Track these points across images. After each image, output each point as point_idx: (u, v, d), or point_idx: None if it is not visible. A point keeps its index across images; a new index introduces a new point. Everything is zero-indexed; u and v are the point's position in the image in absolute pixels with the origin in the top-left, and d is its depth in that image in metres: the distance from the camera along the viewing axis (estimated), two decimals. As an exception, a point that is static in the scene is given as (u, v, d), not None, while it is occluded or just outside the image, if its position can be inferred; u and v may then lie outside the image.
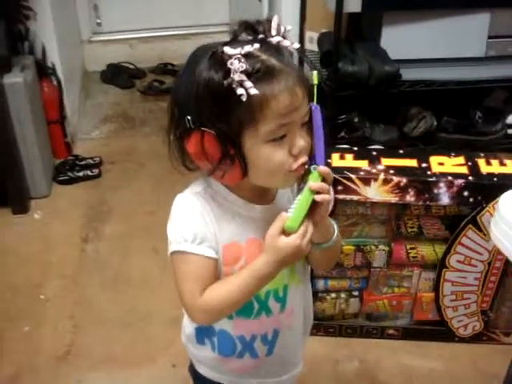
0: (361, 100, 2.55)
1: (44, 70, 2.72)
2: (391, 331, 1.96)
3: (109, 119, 3.30)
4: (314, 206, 0.96)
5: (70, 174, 2.75)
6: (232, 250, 1.01)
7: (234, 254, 1.02)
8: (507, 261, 1.75)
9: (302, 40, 2.77)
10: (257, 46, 0.88)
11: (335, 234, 1.07)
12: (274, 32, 0.92)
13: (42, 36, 2.74)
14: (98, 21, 3.83)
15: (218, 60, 0.88)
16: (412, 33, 2.46)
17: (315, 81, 0.95)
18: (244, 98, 0.86)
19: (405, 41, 2.46)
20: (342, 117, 2.52)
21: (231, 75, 0.86)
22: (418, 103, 2.60)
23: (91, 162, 2.85)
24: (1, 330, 1.99)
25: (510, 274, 1.81)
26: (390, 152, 1.76)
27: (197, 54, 0.95)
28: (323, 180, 0.96)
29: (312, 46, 2.70)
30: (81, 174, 2.76)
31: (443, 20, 2.45)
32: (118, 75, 3.65)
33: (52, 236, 2.43)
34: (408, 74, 2.43)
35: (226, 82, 0.87)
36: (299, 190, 0.97)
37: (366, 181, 1.63)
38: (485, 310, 1.88)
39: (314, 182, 0.94)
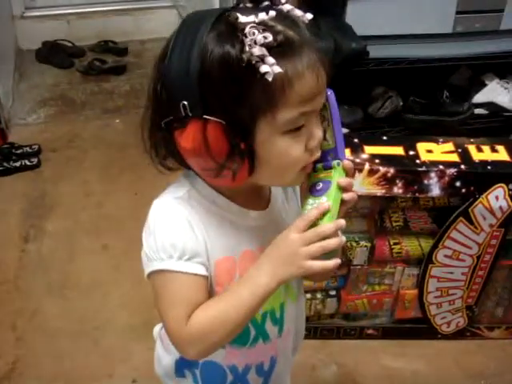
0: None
1: (-28, 49, 2.43)
2: (370, 331, 1.82)
3: (47, 102, 3.01)
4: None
5: (5, 164, 2.47)
6: (225, 266, 0.84)
7: (227, 270, 0.84)
8: (497, 254, 1.63)
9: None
10: (273, 13, 0.70)
11: None
12: None
13: (-32, 10, 2.44)
14: (32, -6, 3.51)
15: (230, 29, 0.70)
16: (378, 7, 2.30)
17: None
18: (270, 78, 0.69)
19: (371, 16, 2.30)
20: (305, 98, 2.35)
21: (248, 49, 0.68)
22: (382, 82, 2.46)
23: (29, 150, 2.58)
24: None
25: (498, 267, 1.69)
26: (373, 139, 1.60)
27: (191, 23, 0.75)
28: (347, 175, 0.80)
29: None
30: (18, 164, 2.49)
31: (410, -7, 2.30)
32: (55, 54, 3.35)
33: (-13, 235, 2.17)
34: (375, 51, 2.28)
35: (244, 57, 0.68)
36: (317, 190, 0.80)
37: (350, 172, 1.46)
38: (470, 305, 1.76)
39: (341, 177, 0.79)
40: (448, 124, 2.49)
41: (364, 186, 1.48)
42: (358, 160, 1.48)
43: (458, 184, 1.48)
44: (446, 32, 2.41)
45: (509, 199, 1.49)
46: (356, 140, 1.54)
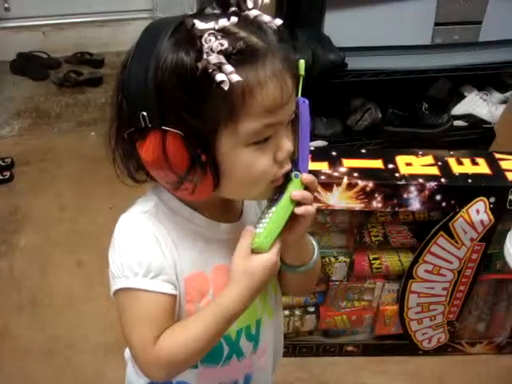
0: (302, 91, 2.36)
1: None
2: (350, 348, 1.78)
3: (21, 114, 2.93)
4: (293, 219, 0.77)
5: (-24, 178, 2.41)
6: (197, 282, 0.80)
7: (199, 287, 0.80)
8: (478, 268, 1.60)
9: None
10: (234, 19, 0.66)
11: (315, 254, 0.88)
12: (250, 4, 0.71)
13: None
14: (6, 5, 3.41)
15: (187, 36, 0.66)
16: (356, 19, 2.29)
17: (301, 71, 0.75)
18: (226, 87, 0.65)
19: (348, 27, 2.29)
20: (282, 110, 2.32)
21: (205, 56, 0.64)
22: (361, 94, 2.45)
23: (1, 163, 2.51)
24: None
25: (479, 282, 1.66)
26: (352, 152, 1.57)
27: (152, 30, 0.71)
28: (305, 189, 0.77)
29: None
30: (-11, 178, 2.43)
31: (389, 5, 2.30)
32: (29, 65, 3.28)
33: (-44, 252, 2.10)
34: (353, 63, 2.26)
35: (200, 65, 0.64)
36: (273, 200, 0.77)
37: (328, 186, 1.42)
38: (451, 320, 1.72)
39: (295, 190, 0.76)
40: (427, 136, 2.48)
41: (343, 200, 1.44)
42: (336, 173, 1.44)
43: (438, 198, 1.45)
44: (424, 44, 2.41)
45: (489, 213, 1.47)
46: (334, 153, 1.51)
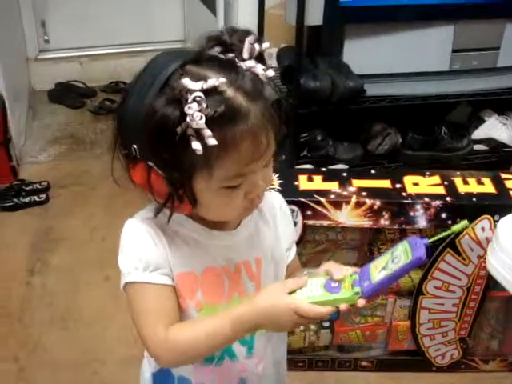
0: (323, 117, 2.44)
1: (-15, 89, 2.53)
2: (365, 363, 1.84)
3: (57, 141, 3.10)
4: None
5: (15, 199, 2.55)
6: (187, 280, 0.89)
7: (189, 284, 0.89)
8: (487, 285, 1.65)
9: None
10: (222, 80, 0.74)
11: None
12: (246, 55, 0.78)
13: (-17, 52, 2.56)
14: (46, 37, 3.63)
15: (175, 94, 0.74)
16: (375, 47, 2.37)
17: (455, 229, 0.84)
18: (199, 153, 0.73)
19: (367, 55, 2.37)
20: (304, 135, 2.41)
21: (187, 119, 0.72)
22: (382, 119, 2.52)
23: (38, 186, 2.66)
24: None
25: (489, 298, 1.71)
26: (361, 172, 1.64)
27: (152, 69, 0.80)
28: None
29: (271, 61, 2.59)
30: (27, 199, 2.56)
31: (407, 33, 2.37)
32: (67, 94, 3.46)
33: (-6, 268, 2.23)
34: (372, 89, 2.34)
35: (180, 130, 0.73)
36: (329, 284, 0.85)
37: (337, 204, 1.50)
38: (463, 337, 1.77)
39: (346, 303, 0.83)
40: (447, 160, 2.53)
41: (352, 217, 1.52)
42: (345, 193, 1.52)
43: (443, 215, 1.51)
44: (442, 70, 2.47)
45: (495, 230, 1.52)
46: (344, 174, 1.59)
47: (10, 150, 2.70)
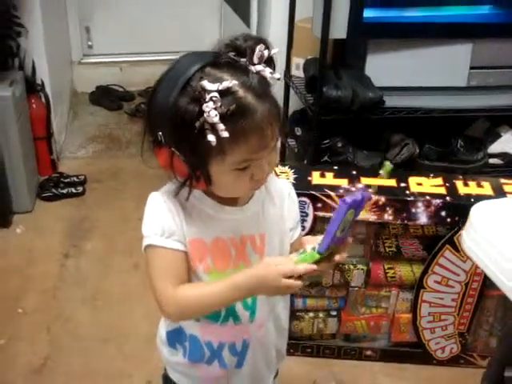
0: (345, 125, 2.58)
1: (33, 87, 2.74)
2: (369, 352, 1.96)
3: (95, 139, 3.31)
4: None
5: (54, 190, 2.75)
6: (198, 245, 1.03)
7: (199, 250, 1.03)
8: (484, 282, 1.77)
9: (288, 66, 2.82)
10: (235, 82, 0.89)
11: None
12: (256, 60, 0.93)
13: (32, 53, 2.77)
14: (90, 43, 3.87)
15: (196, 93, 0.89)
16: (396, 61, 2.51)
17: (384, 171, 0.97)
18: (213, 144, 0.89)
19: (389, 68, 2.51)
20: (326, 141, 2.55)
21: (205, 115, 0.88)
22: (401, 130, 2.64)
23: (76, 179, 2.85)
24: (-24, 342, 1.98)
25: (487, 296, 1.82)
26: (370, 172, 1.78)
27: (180, 66, 0.94)
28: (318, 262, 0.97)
29: (298, 72, 2.75)
30: (65, 191, 2.76)
31: (427, 49, 2.50)
32: (106, 97, 3.68)
33: (33, 251, 2.42)
34: (391, 101, 2.47)
35: (198, 124, 0.89)
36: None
37: (345, 199, 1.64)
38: (462, 332, 1.88)
39: (307, 261, 0.97)
40: (462, 171, 2.64)
41: (358, 211, 1.66)
42: (353, 188, 1.67)
43: (443, 214, 1.65)
44: (460, 85, 2.59)
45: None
46: (354, 172, 1.74)
47: (52, 145, 2.89)
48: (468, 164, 2.65)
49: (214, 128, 0.88)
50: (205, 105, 0.87)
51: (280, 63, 2.84)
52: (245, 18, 3.22)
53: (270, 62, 0.96)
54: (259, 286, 0.97)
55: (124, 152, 3.20)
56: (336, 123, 2.53)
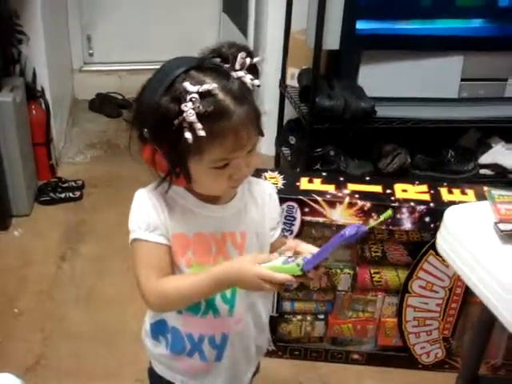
0: (337, 135, 2.64)
1: (33, 93, 2.79)
2: (356, 356, 2.00)
3: (94, 145, 3.37)
4: None
5: (52, 195, 2.80)
6: (180, 240, 1.08)
7: (181, 244, 1.08)
8: (467, 288, 1.81)
9: (284, 76, 2.88)
10: (214, 85, 0.95)
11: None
12: (237, 66, 0.99)
13: (33, 60, 2.82)
14: (90, 51, 3.93)
15: (177, 93, 0.94)
16: (388, 72, 2.57)
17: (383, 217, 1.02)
18: (190, 141, 0.94)
19: (381, 79, 2.57)
20: (318, 150, 2.60)
21: (184, 115, 0.93)
22: (393, 140, 2.69)
23: (73, 184, 2.90)
24: (-28, 340, 2.02)
25: (470, 302, 1.87)
26: (357, 178, 1.83)
27: (164, 70, 1.00)
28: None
29: (293, 81, 2.81)
30: (62, 195, 2.81)
31: (418, 61, 2.57)
32: (106, 104, 3.73)
33: (30, 253, 2.47)
34: (384, 111, 2.52)
35: (177, 122, 0.94)
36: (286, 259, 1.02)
37: (332, 204, 1.70)
38: (447, 337, 1.92)
39: (287, 272, 0.99)
40: (452, 181, 2.69)
41: (344, 216, 1.71)
42: (340, 194, 1.72)
43: (427, 219, 1.70)
44: (451, 97, 2.65)
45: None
46: (342, 178, 1.79)
47: (51, 151, 2.94)
48: (459, 174, 2.70)
49: (191, 127, 0.93)
50: (183, 104, 0.93)
51: (276, 73, 2.93)
52: (242, 28, 3.29)
53: (253, 69, 1.02)
54: (236, 280, 1.01)
55: (121, 158, 3.23)
56: (329, 132, 2.58)
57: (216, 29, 3.94)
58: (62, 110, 3.34)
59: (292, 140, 2.85)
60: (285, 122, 2.99)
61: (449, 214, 1.13)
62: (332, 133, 2.60)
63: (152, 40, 3.85)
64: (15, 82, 2.62)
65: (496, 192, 1.19)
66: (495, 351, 1.97)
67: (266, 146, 3.25)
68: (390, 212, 1.02)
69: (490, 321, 1.30)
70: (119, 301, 2.21)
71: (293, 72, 2.81)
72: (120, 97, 3.82)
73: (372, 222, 0.95)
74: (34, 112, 2.80)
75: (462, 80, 2.62)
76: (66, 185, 2.89)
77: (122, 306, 2.19)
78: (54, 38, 3.19)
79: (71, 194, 2.84)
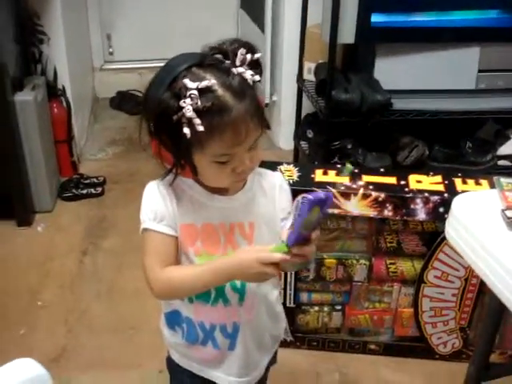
0: (355, 128, 2.65)
1: (54, 91, 2.85)
2: (373, 346, 2.02)
3: (115, 142, 3.42)
4: None
5: (74, 191, 2.86)
6: (189, 230, 1.11)
7: (190, 234, 1.11)
8: (483, 278, 1.81)
9: (301, 70, 2.90)
10: (214, 81, 0.97)
11: None
12: (238, 62, 1.01)
13: (54, 60, 2.88)
14: (110, 50, 3.99)
15: (177, 90, 0.97)
16: (405, 64, 2.57)
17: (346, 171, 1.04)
18: (188, 136, 0.97)
19: (397, 72, 2.57)
20: (336, 143, 2.62)
21: (183, 110, 0.96)
22: (410, 132, 2.70)
23: (95, 180, 2.96)
24: (-2, 332, 2.09)
25: (487, 292, 1.87)
26: (372, 170, 1.84)
27: (170, 65, 1.03)
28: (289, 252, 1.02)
29: (310, 76, 2.83)
30: (84, 191, 2.87)
31: (435, 53, 2.56)
32: (126, 102, 3.78)
33: (53, 248, 2.52)
34: (400, 103, 2.53)
35: (176, 117, 0.97)
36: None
37: (347, 195, 1.71)
38: (463, 327, 1.93)
39: (278, 251, 1.01)
40: (470, 173, 2.68)
41: (359, 207, 1.72)
42: (354, 186, 1.73)
43: (441, 210, 1.70)
44: (469, 88, 2.64)
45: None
46: (356, 170, 1.80)
47: (72, 148, 3.00)
48: (477, 166, 2.70)
49: (190, 122, 0.96)
50: (182, 100, 0.95)
51: (293, 67, 2.96)
52: (260, 24, 3.31)
53: (255, 64, 1.04)
54: (237, 270, 1.04)
55: (142, 154, 3.23)
56: (346, 125, 2.60)
57: (234, 25, 3.97)
58: (83, 108, 3.40)
59: (310, 134, 2.87)
60: (302, 116, 3.01)
61: (457, 202, 1.14)
62: (349, 126, 2.62)
63: (171, 37, 3.88)
64: (36, 81, 2.68)
65: (505, 180, 1.20)
66: (510, 341, 1.98)
67: (284, 140, 3.29)
68: (349, 166, 1.04)
69: (499, 308, 1.31)
70: (140, 294, 2.24)
71: (309, 66, 2.82)
72: (140, 94, 3.86)
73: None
74: (55, 110, 2.86)
75: (480, 71, 2.60)
76: (87, 181, 2.95)
77: (143, 299, 2.21)
78: (74, 37, 3.24)
79: (93, 190, 2.89)
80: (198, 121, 0.96)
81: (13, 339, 2.05)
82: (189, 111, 0.95)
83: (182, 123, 0.97)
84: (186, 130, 0.96)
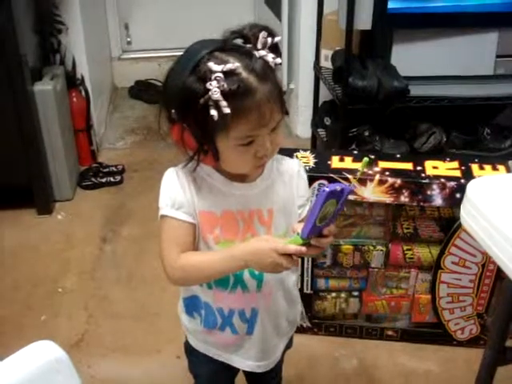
0: (372, 115, 2.64)
1: (73, 81, 2.88)
2: (390, 332, 2.03)
3: (134, 131, 3.45)
4: None
5: (93, 179, 2.89)
6: (208, 217, 1.12)
7: (209, 221, 1.12)
8: (500, 264, 1.81)
9: (318, 58, 2.90)
10: (237, 64, 0.98)
11: None
12: (259, 46, 1.02)
13: (72, 49, 2.91)
14: (128, 39, 4.01)
15: (202, 73, 0.98)
16: (422, 50, 2.56)
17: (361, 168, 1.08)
18: (215, 119, 0.97)
19: (414, 58, 2.56)
20: (353, 130, 2.62)
21: (209, 93, 0.97)
22: (428, 119, 2.69)
23: (114, 169, 2.99)
24: (21, 318, 2.12)
25: (504, 278, 1.86)
26: (388, 156, 1.84)
27: (189, 53, 1.04)
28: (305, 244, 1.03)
29: (327, 63, 2.82)
30: (104, 180, 2.90)
31: (452, 39, 2.54)
32: (145, 91, 3.81)
33: (73, 235, 2.56)
34: (418, 90, 2.52)
35: (202, 100, 0.98)
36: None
37: (363, 181, 1.72)
38: (481, 313, 1.93)
39: (293, 244, 1.03)
40: (489, 159, 2.67)
41: (374, 193, 1.73)
42: (370, 172, 1.74)
43: (457, 195, 1.70)
44: (487, 74, 2.62)
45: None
46: (372, 156, 1.80)
47: (91, 137, 3.03)
48: (495, 152, 2.68)
49: (217, 105, 0.97)
50: (208, 83, 0.96)
51: (310, 55, 2.95)
52: (277, 12, 3.30)
53: (275, 48, 1.05)
54: (253, 259, 1.04)
55: (161, 143, 3.29)
56: (363, 113, 2.59)
57: (251, 13, 3.96)
58: (102, 97, 3.43)
59: (327, 121, 2.87)
60: (320, 103, 3.01)
61: (472, 186, 1.14)
62: (367, 113, 2.61)
63: (189, 26, 3.86)
64: (55, 70, 2.71)
65: (521, 164, 1.20)
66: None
67: (302, 128, 3.29)
68: (366, 159, 1.05)
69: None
70: (158, 281, 2.27)
71: (326, 53, 2.82)
72: (159, 83, 3.88)
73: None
74: (74, 99, 2.89)
75: (498, 56, 2.58)
76: (106, 170, 2.98)
77: (161, 285, 2.25)
78: (92, 27, 3.27)
79: (112, 179, 2.92)
80: (224, 103, 0.97)
81: (34, 325, 2.09)
82: (216, 93, 0.96)
83: (208, 106, 0.98)
84: (214, 112, 0.97)
